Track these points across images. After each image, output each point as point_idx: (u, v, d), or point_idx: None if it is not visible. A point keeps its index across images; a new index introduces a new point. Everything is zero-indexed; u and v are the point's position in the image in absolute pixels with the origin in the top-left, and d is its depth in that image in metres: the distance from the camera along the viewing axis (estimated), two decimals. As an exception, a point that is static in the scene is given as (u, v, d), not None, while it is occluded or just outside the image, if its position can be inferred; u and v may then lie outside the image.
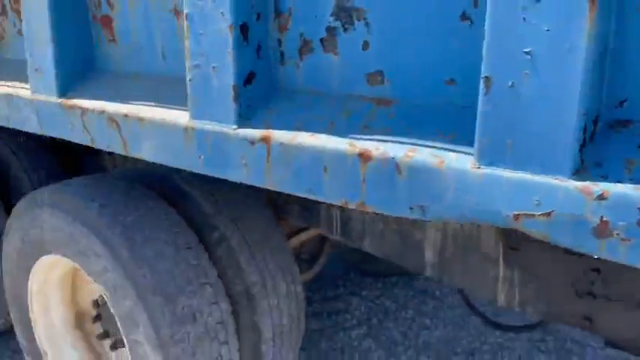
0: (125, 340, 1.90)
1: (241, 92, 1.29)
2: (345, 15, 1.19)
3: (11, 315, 2.43)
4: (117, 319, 1.90)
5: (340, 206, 2.12)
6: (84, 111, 1.68)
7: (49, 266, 2.22)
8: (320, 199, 1.24)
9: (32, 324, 2.35)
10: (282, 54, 1.33)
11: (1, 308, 2.79)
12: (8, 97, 1.94)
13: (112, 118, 1.60)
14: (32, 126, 1.89)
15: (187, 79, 1.38)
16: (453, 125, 1.06)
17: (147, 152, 1.54)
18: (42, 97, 1.81)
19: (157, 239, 1.90)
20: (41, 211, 2.04)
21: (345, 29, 1.20)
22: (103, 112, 1.62)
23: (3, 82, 2.03)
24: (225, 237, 2.09)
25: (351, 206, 1.17)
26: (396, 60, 1.15)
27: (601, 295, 1.34)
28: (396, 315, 3.42)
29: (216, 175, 1.41)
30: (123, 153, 1.62)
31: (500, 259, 1.50)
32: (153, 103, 1.56)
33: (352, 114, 1.21)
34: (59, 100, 1.75)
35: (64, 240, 1.96)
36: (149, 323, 1.80)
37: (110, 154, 2.65)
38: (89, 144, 1.71)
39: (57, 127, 1.80)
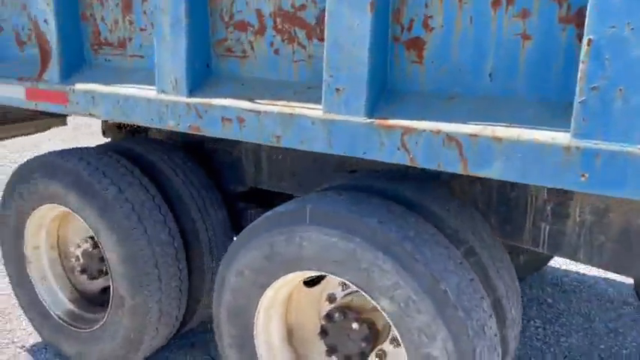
0: (413, 354, 1.92)
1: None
2: None
3: (224, 330, 2.40)
4: (401, 332, 1.93)
5: (550, 220, 2.22)
6: (406, 130, 1.72)
7: (287, 283, 2.23)
8: None
9: (254, 340, 2.33)
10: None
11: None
12: (284, 117, 1.95)
13: (452, 137, 1.65)
14: (317, 145, 1.91)
15: (577, 100, 1.45)
16: None
17: (497, 171, 1.60)
18: (340, 117, 1.83)
19: (440, 254, 1.95)
20: (301, 228, 2.05)
21: None
22: (438, 131, 1.67)
23: (262, 101, 2.04)
24: (474, 251, 2.15)
25: None
26: None
27: None
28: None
29: (604, 194, 1.47)
30: (459, 172, 1.66)
31: None
32: (479, 122, 1.62)
33: None
34: (368, 120, 1.78)
35: (337, 257, 1.98)
36: (449, 337, 1.84)
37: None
38: (406, 162, 1.75)
39: (358, 146, 1.83)
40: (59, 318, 3.05)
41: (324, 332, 2.30)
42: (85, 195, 2.64)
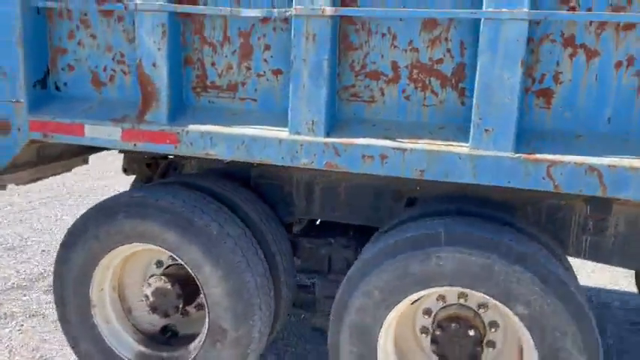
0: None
1: None
2: None
3: (344, 348, 2.60)
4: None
5: (590, 232, 2.77)
6: (552, 163, 2.15)
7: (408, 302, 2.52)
8: None
9: (377, 355, 2.57)
10: None
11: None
12: (431, 153, 2.28)
13: (593, 168, 2.10)
14: (463, 177, 2.26)
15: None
16: None
17: (634, 193, 2.07)
18: (488, 153, 2.21)
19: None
20: (439, 250, 2.37)
21: None
22: (582, 163, 2.11)
23: (403, 140, 2.35)
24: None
25: None
26: None
27: None
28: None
29: None
30: (600, 194, 2.11)
31: None
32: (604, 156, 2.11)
33: None
34: (516, 155, 2.18)
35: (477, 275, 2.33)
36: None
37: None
38: (549, 189, 2.17)
39: (502, 177, 2.21)
40: None
41: (434, 341, 2.61)
42: (186, 233, 2.70)
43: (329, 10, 2.30)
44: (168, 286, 2.95)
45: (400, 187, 2.94)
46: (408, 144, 2.33)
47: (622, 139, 2.18)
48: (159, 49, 2.56)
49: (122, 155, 3.69)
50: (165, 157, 3.58)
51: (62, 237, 2.98)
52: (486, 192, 2.70)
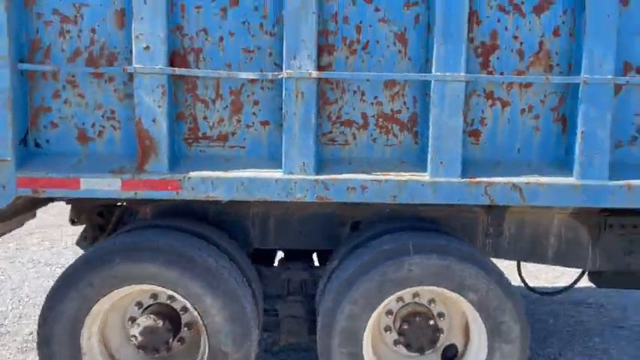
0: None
1: None
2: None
3: (335, 352, 3.09)
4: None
5: (491, 235, 3.71)
6: (488, 184, 2.95)
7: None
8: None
9: (363, 352, 3.11)
10: None
11: None
12: (400, 182, 2.95)
13: (516, 185, 2.95)
14: (425, 198, 2.96)
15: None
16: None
17: (541, 200, 2.95)
18: (443, 179, 2.94)
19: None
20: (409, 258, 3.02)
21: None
22: (508, 182, 2.95)
23: (369, 173, 2.98)
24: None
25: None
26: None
27: None
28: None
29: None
30: (521, 204, 2.96)
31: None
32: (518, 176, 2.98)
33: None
34: (463, 180, 2.95)
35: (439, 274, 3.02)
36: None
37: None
38: (487, 203, 2.97)
39: (454, 197, 2.96)
40: None
41: (401, 334, 3.23)
42: (186, 270, 2.99)
43: (314, 74, 2.87)
44: (159, 323, 3.16)
45: (344, 213, 3.54)
46: (381, 176, 2.97)
47: (527, 163, 3.07)
48: (159, 106, 2.87)
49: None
50: (115, 204, 3.74)
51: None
52: (416, 211, 3.42)
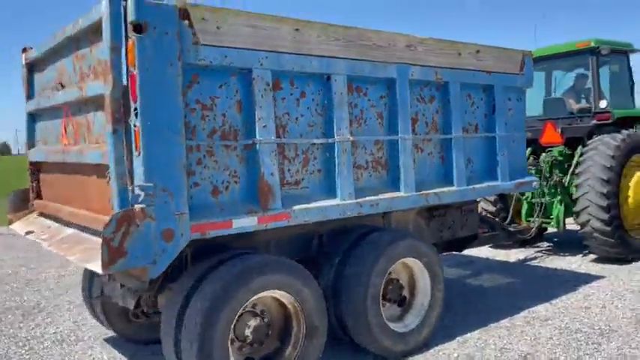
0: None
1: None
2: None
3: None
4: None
5: None
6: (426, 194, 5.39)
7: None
8: None
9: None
10: None
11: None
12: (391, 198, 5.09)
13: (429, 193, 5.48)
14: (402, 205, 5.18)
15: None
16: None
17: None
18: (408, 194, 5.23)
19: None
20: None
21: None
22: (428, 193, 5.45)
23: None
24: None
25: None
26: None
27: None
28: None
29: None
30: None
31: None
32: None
33: None
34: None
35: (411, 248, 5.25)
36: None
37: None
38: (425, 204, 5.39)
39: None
40: None
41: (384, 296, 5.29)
42: (299, 275, 4.40)
43: (351, 138, 4.77)
44: (263, 321, 4.39)
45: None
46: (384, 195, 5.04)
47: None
48: (273, 164, 4.27)
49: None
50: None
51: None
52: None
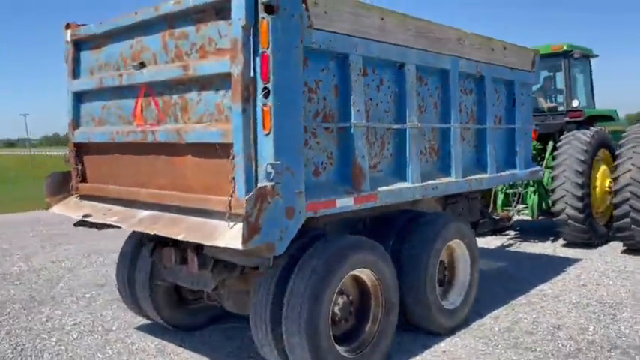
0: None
1: None
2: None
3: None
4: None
5: None
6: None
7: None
8: None
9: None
10: None
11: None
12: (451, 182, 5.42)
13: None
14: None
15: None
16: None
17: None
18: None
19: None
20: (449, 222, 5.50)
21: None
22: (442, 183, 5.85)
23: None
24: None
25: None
26: None
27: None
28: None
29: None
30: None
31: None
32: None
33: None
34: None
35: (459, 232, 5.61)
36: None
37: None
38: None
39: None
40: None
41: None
42: (378, 254, 4.60)
43: (419, 125, 5.03)
44: (348, 299, 4.57)
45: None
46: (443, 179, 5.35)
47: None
48: (364, 147, 4.44)
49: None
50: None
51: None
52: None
